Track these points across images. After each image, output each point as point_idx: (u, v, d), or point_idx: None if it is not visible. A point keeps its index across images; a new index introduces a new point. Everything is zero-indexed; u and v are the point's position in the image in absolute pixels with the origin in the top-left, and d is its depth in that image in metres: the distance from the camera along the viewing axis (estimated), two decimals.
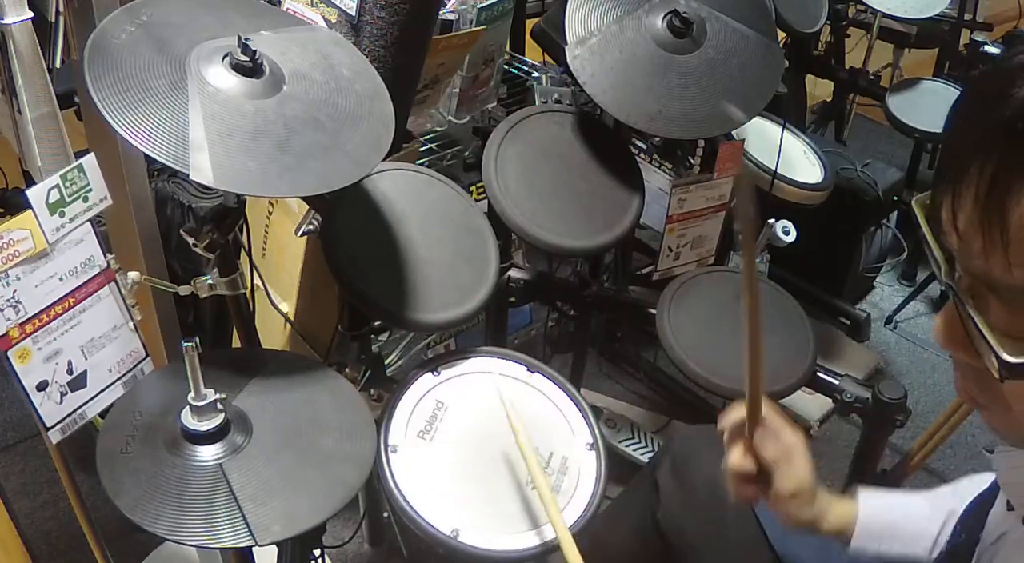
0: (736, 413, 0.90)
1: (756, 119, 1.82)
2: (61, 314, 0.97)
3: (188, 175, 0.86)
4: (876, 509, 0.95)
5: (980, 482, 0.96)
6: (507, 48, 1.90)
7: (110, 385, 1.06)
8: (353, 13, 1.22)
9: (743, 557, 1.12)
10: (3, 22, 0.97)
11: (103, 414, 1.03)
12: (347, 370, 1.28)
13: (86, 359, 1.02)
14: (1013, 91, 0.49)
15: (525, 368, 1.22)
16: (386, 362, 1.75)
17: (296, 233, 1.25)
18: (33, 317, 0.94)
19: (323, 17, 1.27)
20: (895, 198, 2.41)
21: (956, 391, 0.67)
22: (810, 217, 1.81)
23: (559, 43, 1.53)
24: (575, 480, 1.09)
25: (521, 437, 1.04)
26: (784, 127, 1.91)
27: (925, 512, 0.96)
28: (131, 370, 1.09)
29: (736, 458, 0.89)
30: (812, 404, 2.13)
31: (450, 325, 1.20)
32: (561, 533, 0.96)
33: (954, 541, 0.89)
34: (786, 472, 0.89)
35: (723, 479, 0.95)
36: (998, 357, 0.54)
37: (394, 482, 1.04)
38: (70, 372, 1.00)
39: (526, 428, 1.05)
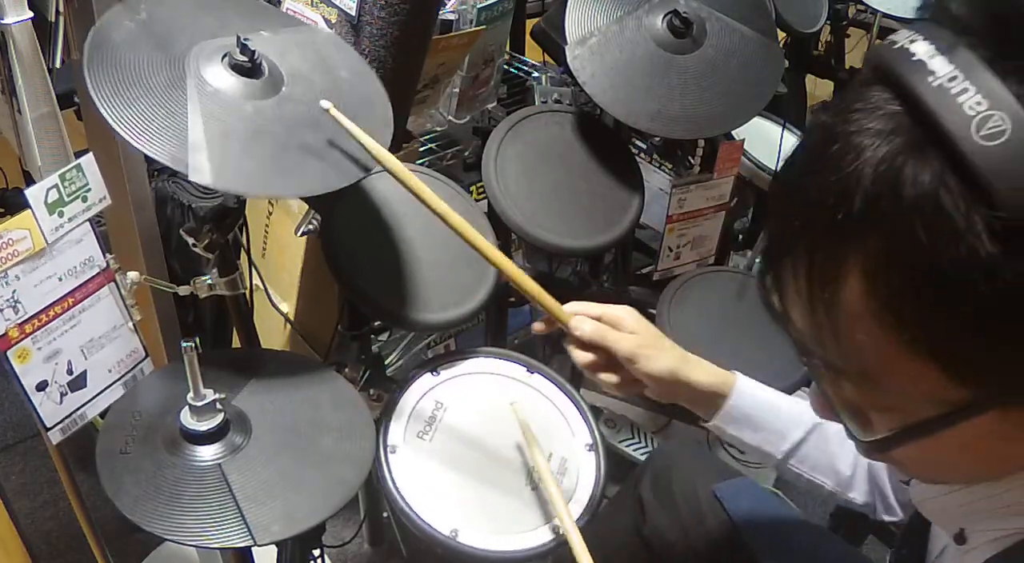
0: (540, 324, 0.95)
1: (756, 119, 1.82)
2: (61, 314, 0.97)
3: (188, 175, 0.86)
4: (749, 397, 0.95)
5: None
6: (507, 48, 1.90)
7: (110, 385, 1.06)
8: (353, 13, 1.22)
9: None
10: (3, 22, 0.97)
11: (103, 414, 1.03)
12: (347, 370, 1.28)
13: (86, 359, 1.02)
14: (825, 176, 0.48)
15: (525, 368, 1.22)
16: (386, 362, 1.75)
17: (296, 233, 1.25)
18: (33, 317, 0.94)
19: (323, 17, 1.27)
20: None
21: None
22: None
23: (559, 43, 1.54)
24: (575, 481, 1.09)
25: (537, 453, 1.04)
26: (784, 127, 1.91)
27: (792, 416, 0.95)
28: (131, 370, 1.09)
29: (576, 356, 0.94)
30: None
31: (450, 325, 1.20)
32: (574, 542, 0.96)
33: (897, 556, 0.89)
34: (616, 338, 0.91)
35: (704, 494, 0.96)
36: (853, 436, 0.56)
37: (393, 482, 1.04)
38: (70, 372, 1.00)
39: (538, 442, 1.06)
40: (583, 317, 0.93)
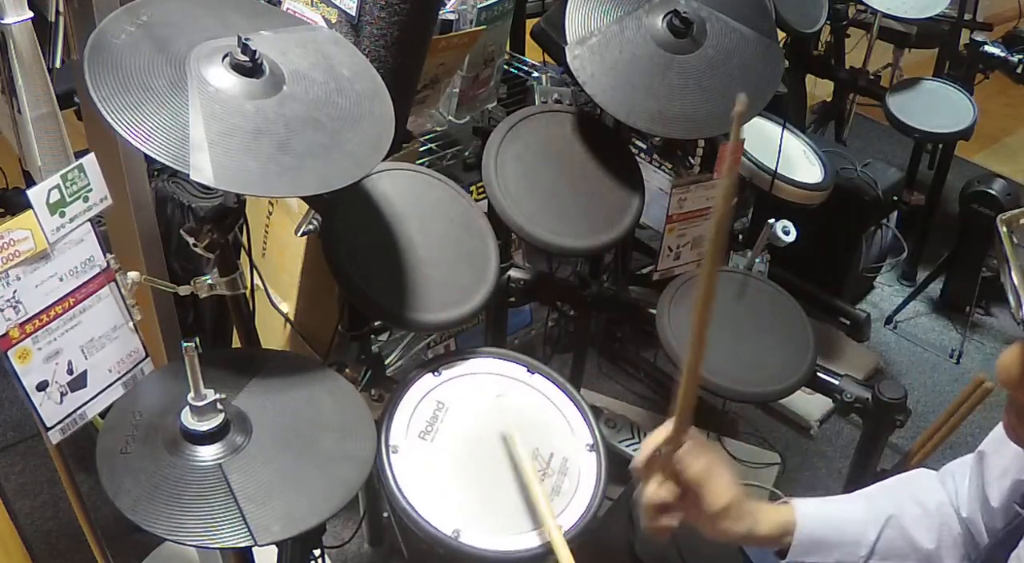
0: (656, 438, 0.86)
1: (756, 119, 1.82)
2: (61, 314, 0.97)
3: (188, 175, 0.86)
4: (813, 520, 0.94)
5: (926, 485, 0.97)
6: (507, 48, 1.90)
7: (110, 385, 1.06)
8: (353, 13, 1.22)
9: None
10: (3, 22, 0.97)
11: (103, 414, 1.03)
12: (347, 370, 1.28)
13: (86, 359, 1.02)
14: None
15: (525, 368, 1.22)
16: (386, 362, 1.75)
17: (296, 233, 1.25)
18: (33, 317, 0.94)
19: (323, 17, 1.27)
20: (895, 198, 2.41)
21: (1004, 429, 0.66)
22: (810, 217, 1.81)
23: (559, 43, 1.53)
24: (575, 481, 1.09)
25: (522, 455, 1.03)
26: (784, 127, 1.91)
27: (860, 517, 0.95)
28: (131, 370, 1.09)
29: (653, 489, 0.86)
30: (812, 404, 2.13)
31: (450, 325, 1.20)
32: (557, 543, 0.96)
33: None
34: (714, 488, 0.86)
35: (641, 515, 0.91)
36: None
37: (395, 482, 1.04)
38: (70, 372, 1.00)
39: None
40: (692, 450, 0.87)
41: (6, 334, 0.92)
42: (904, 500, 0.96)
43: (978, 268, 2.36)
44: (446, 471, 1.07)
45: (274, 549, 1.11)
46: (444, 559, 1.01)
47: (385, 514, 1.72)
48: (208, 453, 0.94)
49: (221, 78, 0.93)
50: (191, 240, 1.06)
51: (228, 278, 1.10)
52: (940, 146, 2.63)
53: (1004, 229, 0.59)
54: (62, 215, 0.93)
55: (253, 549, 1.00)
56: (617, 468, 1.11)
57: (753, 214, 2.31)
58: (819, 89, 2.92)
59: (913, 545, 0.94)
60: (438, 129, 1.78)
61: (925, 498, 0.96)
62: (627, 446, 1.97)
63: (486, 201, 1.36)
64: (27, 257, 0.91)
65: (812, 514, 0.95)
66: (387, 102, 1.07)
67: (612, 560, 1.23)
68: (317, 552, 1.16)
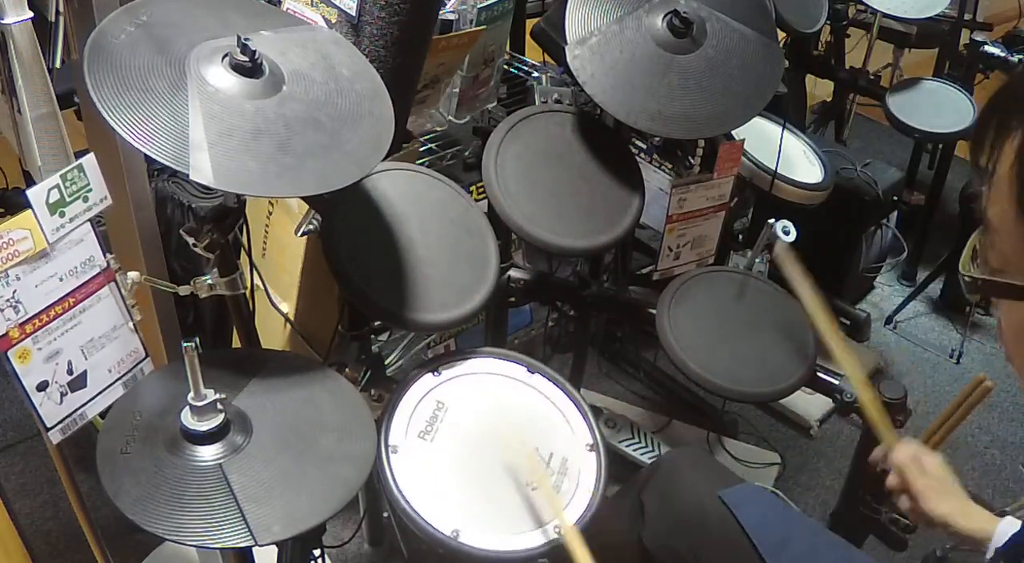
0: (907, 452, 1.09)
1: (756, 119, 1.82)
2: (61, 314, 0.97)
3: (188, 175, 0.86)
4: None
5: None
6: (507, 48, 1.90)
7: (110, 385, 1.06)
8: (353, 13, 1.22)
9: None
10: (3, 22, 0.97)
11: (103, 414, 1.03)
12: (347, 370, 1.28)
13: (86, 359, 1.02)
14: None
15: (525, 368, 1.22)
16: (386, 362, 1.75)
17: (296, 233, 1.25)
18: (33, 317, 0.94)
19: (323, 17, 1.27)
20: (895, 198, 2.41)
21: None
22: (810, 217, 1.81)
23: (559, 43, 1.53)
24: (575, 481, 1.09)
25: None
26: (784, 127, 1.91)
27: None
28: (131, 370, 1.09)
29: (890, 479, 1.10)
30: (812, 404, 2.13)
31: (450, 325, 1.20)
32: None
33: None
34: (914, 475, 1.07)
35: (709, 503, 1.01)
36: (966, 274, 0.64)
37: (395, 482, 1.04)
38: (70, 372, 1.00)
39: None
40: (904, 448, 1.10)
41: (6, 334, 0.92)
42: None
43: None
44: (445, 471, 1.07)
45: (274, 549, 1.11)
46: (444, 559, 1.01)
47: (385, 514, 1.72)
48: (208, 453, 0.94)
49: (221, 78, 0.93)
50: (191, 240, 1.06)
51: (228, 278, 1.10)
52: (940, 146, 2.63)
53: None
54: (62, 215, 0.93)
55: (253, 549, 1.00)
56: (617, 468, 1.11)
57: (753, 214, 2.31)
58: (819, 89, 2.92)
59: None
60: (438, 129, 1.77)
61: None
62: (627, 446, 1.97)
63: (486, 201, 1.36)
64: (27, 257, 0.91)
65: (1011, 528, 1.02)
66: (387, 102, 1.07)
67: (619, 549, 1.23)
68: (317, 552, 1.16)
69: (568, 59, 1.32)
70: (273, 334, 1.42)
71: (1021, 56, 2.30)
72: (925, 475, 1.07)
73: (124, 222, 1.21)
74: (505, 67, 1.88)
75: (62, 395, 1.00)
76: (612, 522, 1.25)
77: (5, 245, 0.89)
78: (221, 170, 0.87)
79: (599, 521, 1.07)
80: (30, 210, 0.90)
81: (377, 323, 1.41)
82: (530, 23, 2.03)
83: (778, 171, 1.81)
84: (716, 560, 1.14)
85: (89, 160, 0.95)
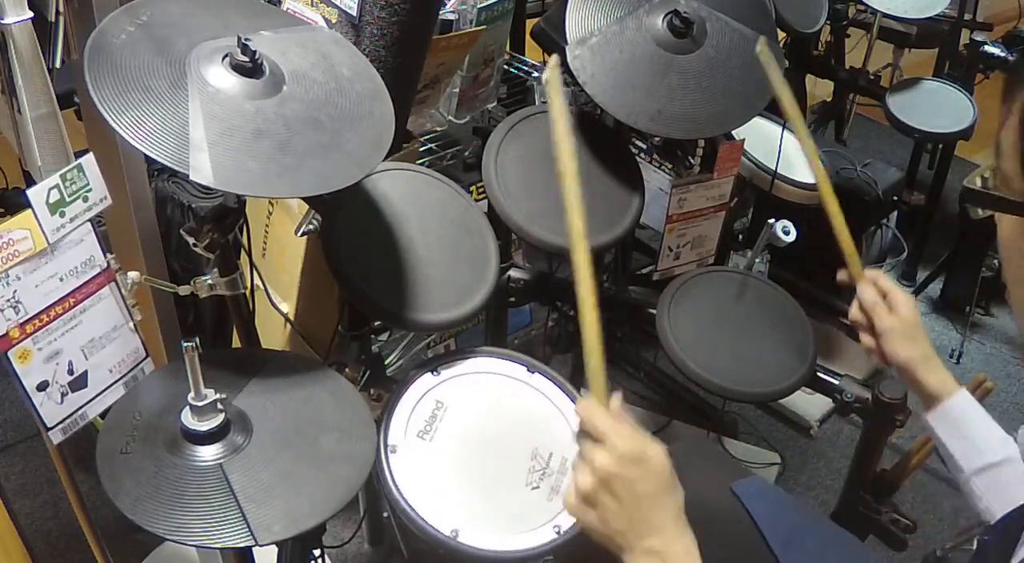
0: (874, 290, 1.11)
1: (756, 119, 1.82)
2: (61, 314, 0.97)
3: (188, 175, 0.86)
4: (961, 408, 1.03)
5: None
6: (507, 48, 1.90)
7: (110, 385, 1.06)
8: (354, 13, 1.22)
9: None
10: (3, 22, 0.97)
11: (103, 414, 1.03)
12: (347, 370, 1.28)
13: (86, 359, 1.02)
14: None
15: (525, 368, 1.22)
16: (386, 362, 1.75)
17: (296, 233, 1.26)
18: (33, 317, 0.94)
19: (323, 17, 1.27)
20: (895, 198, 2.41)
21: None
22: (810, 217, 1.81)
23: (559, 43, 1.53)
24: None
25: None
26: (784, 127, 1.91)
27: (997, 442, 1.01)
28: (131, 370, 1.09)
29: (852, 311, 1.14)
30: (812, 404, 2.13)
31: (450, 325, 1.20)
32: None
33: (982, 542, 0.90)
34: (881, 314, 1.08)
35: (719, 494, 1.02)
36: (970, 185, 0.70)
37: (394, 482, 1.04)
38: (70, 372, 1.00)
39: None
40: (870, 285, 1.11)
41: (6, 334, 0.92)
42: None
43: (978, 268, 2.36)
44: (445, 471, 1.07)
45: (274, 549, 1.11)
46: (443, 559, 1.01)
47: (385, 514, 1.72)
48: (208, 453, 0.94)
49: (221, 78, 0.93)
50: (191, 240, 1.06)
51: (228, 278, 1.10)
52: (940, 146, 2.63)
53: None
54: (62, 215, 0.93)
55: (253, 549, 1.00)
56: None
57: (753, 214, 2.31)
58: (819, 89, 2.92)
59: (1013, 500, 0.96)
60: (438, 129, 1.77)
61: None
62: None
63: (486, 201, 1.36)
64: (27, 257, 0.91)
65: (966, 403, 1.03)
66: (387, 102, 1.07)
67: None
68: (317, 552, 1.16)
69: (568, 59, 1.32)
70: (273, 334, 1.42)
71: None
72: (893, 314, 1.08)
73: (124, 222, 1.21)
74: (505, 67, 1.88)
75: (62, 395, 1.00)
76: None
77: (5, 245, 0.89)
78: (221, 170, 0.87)
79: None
80: (30, 210, 0.90)
81: (377, 323, 1.41)
82: (530, 23, 2.03)
83: (778, 171, 1.81)
84: (725, 551, 1.13)
85: (88, 160, 0.95)
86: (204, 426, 0.94)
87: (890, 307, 1.09)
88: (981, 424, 1.03)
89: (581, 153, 1.43)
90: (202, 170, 0.86)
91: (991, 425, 1.04)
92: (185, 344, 0.91)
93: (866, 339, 1.11)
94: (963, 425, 1.03)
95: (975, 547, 0.94)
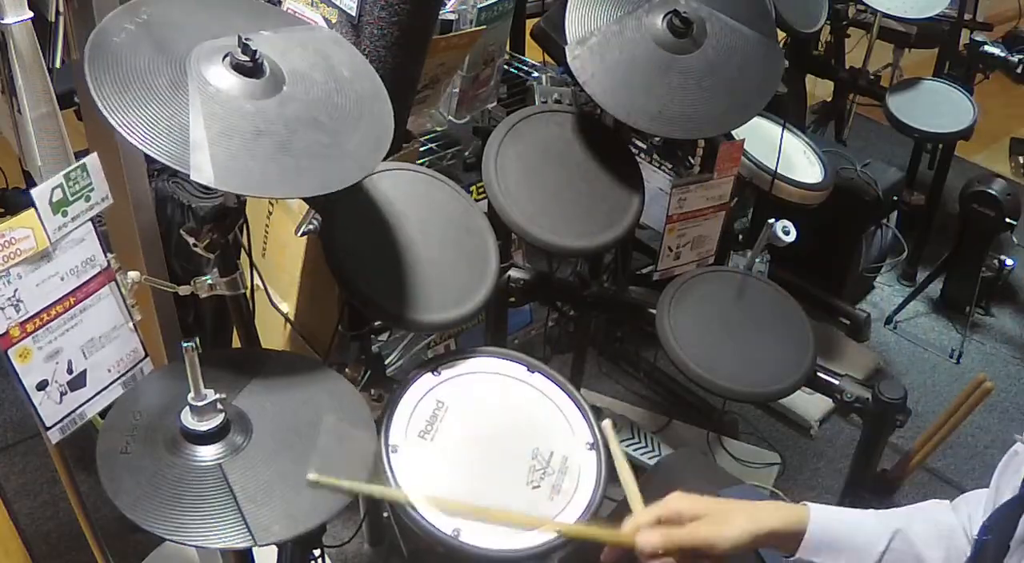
0: (654, 532, 0.91)
1: (756, 119, 1.82)
2: (62, 313, 0.97)
3: (189, 175, 0.86)
4: (826, 522, 0.94)
5: (938, 510, 0.98)
6: (507, 48, 1.90)
7: (110, 385, 1.06)
8: (354, 13, 1.22)
9: None
10: (3, 22, 0.97)
11: (103, 414, 1.03)
12: (347, 370, 1.28)
13: (86, 358, 1.02)
14: None
15: (525, 368, 1.22)
16: (386, 362, 1.75)
17: (296, 233, 1.25)
18: (34, 316, 0.94)
19: (323, 17, 1.27)
20: (895, 198, 2.41)
21: None
22: (810, 217, 1.81)
23: (559, 43, 1.54)
24: (575, 480, 1.09)
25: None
26: (784, 127, 1.91)
27: (872, 528, 0.96)
28: (131, 370, 1.09)
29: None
30: (812, 404, 2.13)
31: (450, 325, 1.20)
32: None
33: (980, 542, 0.89)
34: (687, 534, 0.91)
35: None
36: None
37: (395, 482, 1.04)
38: (70, 371, 1.00)
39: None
40: (647, 530, 0.92)
41: (6, 333, 0.92)
42: (915, 518, 0.97)
43: (978, 268, 2.37)
44: (446, 471, 1.07)
45: (274, 549, 1.11)
46: (444, 558, 1.01)
47: (385, 514, 1.72)
48: (208, 453, 0.94)
49: (221, 78, 0.93)
50: (191, 240, 1.06)
51: (228, 278, 1.10)
52: (940, 146, 2.63)
53: None
54: (64, 214, 0.93)
55: (253, 549, 1.00)
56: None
57: (753, 214, 2.31)
58: (819, 89, 2.93)
59: (920, 559, 0.94)
60: (438, 129, 1.78)
61: (938, 519, 0.97)
62: (627, 446, 1.97)
63: (486, 201, 1.36)
64: (28, 256, 0.91)
65: (824, 520, 0.95)
66: (387, 102, 1.07)
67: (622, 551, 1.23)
68: (317, 552, 1.16)
69: (568, 59, 1.32)
70: (273, 334, 1.42)
71: (1021, 56, 2.30)
72: (690, 523, 0.92)
73: (124, 222, 1.21)
74: (505, 67, 1.88)
75: (62, 394, 1.00)
76: (614, 525, 1.25)
77: (7, 244, 0.89)
78: (222, 170, 0.87)
79: (601, 524, 1.06)
80: (33, 209, 0.90)
81: (377, 323, 1.41)
82: (530, 23, 2.03)
83: (778, 171, 1.81)
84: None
85: (92, 160, 0.96)
86: (204, 426, 0.94)
87: (676, 521, 0.93)
88: (850, 523, 0.96)
89: (581, 153, 1.44)
90: (203, 170, 0.86)
91: (859, 521, 0.97)
92: (185, 344, 0.91)
93: None
94: (836, 542, 0.94)
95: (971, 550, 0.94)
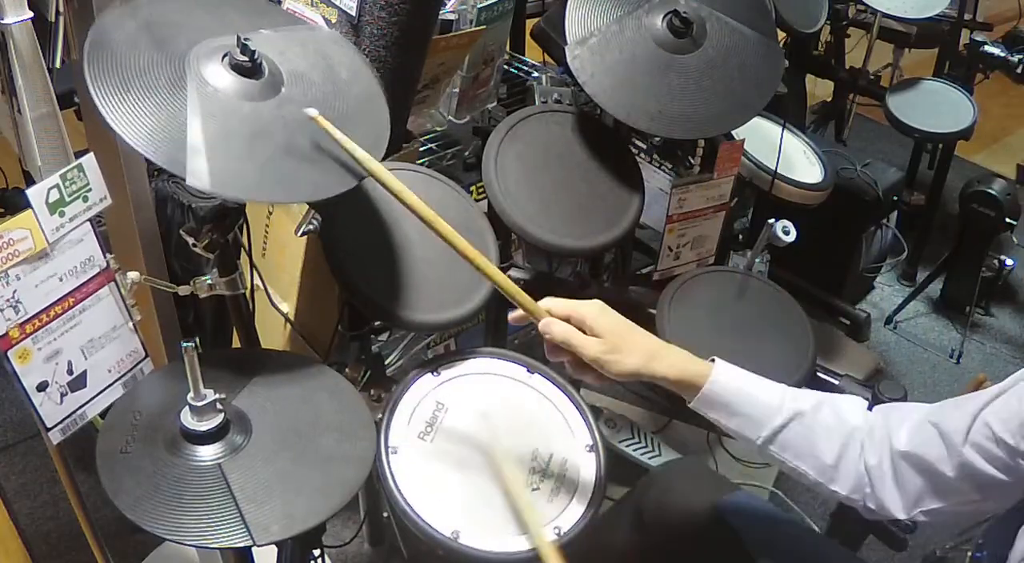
0: (563, 325, 0.96)
1: (756, 119, 1.82)
2: (61, 314, 0.97)
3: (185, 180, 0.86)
4: (725, 384, 0.96)
5: (852, 406, 0.96)
6: (507, 48, 1.90)
7: (110, 385, 1.06)
8: (353, 13, 1.22)
9: None
10: (3, 22, 0.97)
11: (103, 414, 1.03)
12: (347, 370, 1.28)
13: (86, 359, 1.02)
14: None
15: (525, 368, 1.22)
16: (386, 362, 1.74)
17: (296, 233, 1.25)
18: (33, 317, 0.94)
19: (323, 17, 1.27)
20: (895, 198, 2.41)
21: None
22: (810, 217, 1.81)
23: (559, 43, 1.54)
24: (575, 482, 1.09)
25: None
26: (784, 127, 1.91)
27: (773, 403, 0.96)
28: (131, 370, 1.09)
29: (549, 357, 0.99)
30: None
31: (450, 325, 1.20)
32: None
33: (976, 558, 0.89)
34: (581, 343, 0.94)
35: (706, 511, 0.98)
36: None
37: (395, 483, 1.03)
38: (70, 372, 1.00)
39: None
40: (552, 321, 0.96)
41: (6, 334, 0.92)
42: (824, 407, 0.96)
43: (978, 268, 2.37)
44: (446, 472, 1.07)
45: (274, 549, 1.11)
46: (444, 560, 1.01)
47: (385, 514, 1.72)
48: (208, 453, 0.94)
49: (220, 79, 0.93)
50: (191, 240, 1.06)
51: (228, 278, 1.10)
52: (940, 146, 2.63)
53: None
54: (61, 215, 0.93)
55: (253, 549, 1.00)
56: (617, 468, 1.11)
57: (753, 214, 2.31)
58: (819, 89, 2.92)
59: (813, 452, 0.94)
60: (438, 129, 1.77)
61: (846, 415, 0.96)
62: (627, 446, 1.97)
63: (486, 201, 1.36)
64: (27, 257, 0.91)
65: (725, 380, 0.96)
66: (384, 105, 1.07)
67: (619, 558, 1.23)
68: (317, 552, 1.16)
69: (568, 59, 1.32)
70: (273, 334, 1.42)
71: (1021, 56, 2.30)
72: (590, 334, 0.95)
73: (124, 222, 1.21)
74: (505, 67, 1.88)
75: (62, 395, 1.00)
76: (611, 532, 1.25)
77: (5, 245, 0.89)
78: (219, 175, 0.87)
79: (599, 530, 1.06)
80: (30, 210, 0.90)
81: (377, 323, 1.41)
82: (530, 23, 2.03)
83: (778, 171, 1.81)
84: None
85: (89, 160, 0.95)
86: (203, 426, 0.94)
87: (582, 328, 0.96)
88: (752, 392, 0.96)
89: (581, 153, 1.44)
90: (199, 174, 0.86)
91: (764, 389, 0.97)
92: (185, 344, 0.91)
93: (584, 376, 0.98)
94: (732, 404, 0.95)
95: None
